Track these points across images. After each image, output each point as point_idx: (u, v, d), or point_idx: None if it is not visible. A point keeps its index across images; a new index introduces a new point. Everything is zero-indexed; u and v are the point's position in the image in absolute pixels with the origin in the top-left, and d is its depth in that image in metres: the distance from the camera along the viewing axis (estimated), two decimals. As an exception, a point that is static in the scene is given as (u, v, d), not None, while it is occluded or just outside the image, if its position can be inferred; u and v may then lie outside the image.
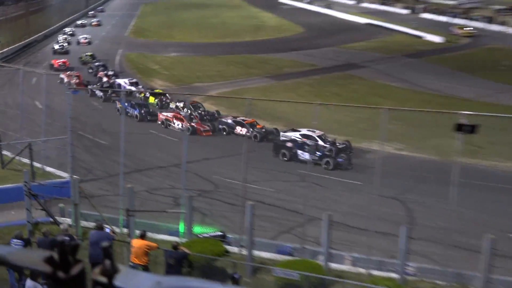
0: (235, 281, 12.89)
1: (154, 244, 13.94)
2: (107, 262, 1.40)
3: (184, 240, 16.48)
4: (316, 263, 15.17)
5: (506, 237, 18.13)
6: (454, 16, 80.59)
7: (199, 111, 37.77)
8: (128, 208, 16.82)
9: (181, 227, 17.77)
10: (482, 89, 44.46)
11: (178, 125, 35.24)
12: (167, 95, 42.67)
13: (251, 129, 33.28)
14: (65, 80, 45.93)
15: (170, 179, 25.39)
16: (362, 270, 15.69)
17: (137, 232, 14.84)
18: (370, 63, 55.79)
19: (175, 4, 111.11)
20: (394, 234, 15.49)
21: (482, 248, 14.13)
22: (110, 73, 50.20)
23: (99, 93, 43.34)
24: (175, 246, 13.96)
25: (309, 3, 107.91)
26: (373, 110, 30.84)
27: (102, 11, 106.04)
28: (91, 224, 15.89)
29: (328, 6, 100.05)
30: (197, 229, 17.88)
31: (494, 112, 33.25)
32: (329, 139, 31.62)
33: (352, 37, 71.07)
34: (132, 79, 47.47)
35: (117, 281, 1.39)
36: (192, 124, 34.37)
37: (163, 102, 41.46)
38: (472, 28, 71.04)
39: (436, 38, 66.51)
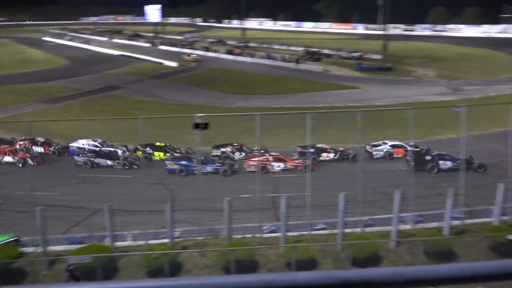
0: (71, 271, 11.70)
1: None
2: None
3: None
4: (104, 245, 14.15)
5: (238, 198, 19.38)
6: (183, 47, 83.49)
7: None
8: None
9: (-27, 242, 14.72)
10: (207, 97, 46.86)
11: (278, 166, 26.51)
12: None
13: (339, 153, 27.52)
14: (9, 159, 28.02)
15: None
16: (141, 242, 15.19)
17: None
18: (126, 84, 54.15)
19: None
20: (162, 210, 15.27)
21: (224, 208, 14.88)
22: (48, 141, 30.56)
23: (103, 162, 27.48)
24: (-30, 260, 11.51)
25: (69, 40, 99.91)
26: (133, 120, 30.00)
27: None
28: None
29: (87, 42, 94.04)
30: (-10, 240, 15.02)
31: (219, 113, 35.44)
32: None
33: (109, 65, 67.93)
34: (95, 139, 29.44)
35: None
36: (297, 162, 26.33)
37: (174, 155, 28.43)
38: (196, 55, 74.21)
39: (172, 63, 67.65)
